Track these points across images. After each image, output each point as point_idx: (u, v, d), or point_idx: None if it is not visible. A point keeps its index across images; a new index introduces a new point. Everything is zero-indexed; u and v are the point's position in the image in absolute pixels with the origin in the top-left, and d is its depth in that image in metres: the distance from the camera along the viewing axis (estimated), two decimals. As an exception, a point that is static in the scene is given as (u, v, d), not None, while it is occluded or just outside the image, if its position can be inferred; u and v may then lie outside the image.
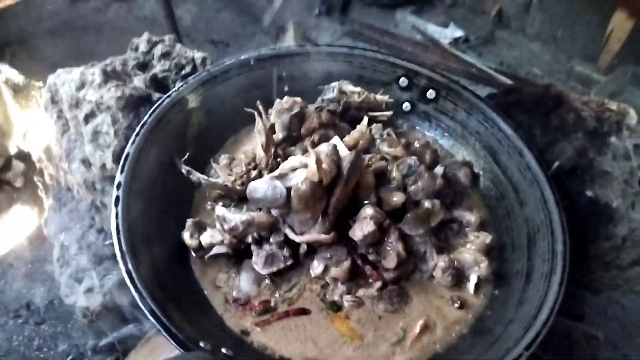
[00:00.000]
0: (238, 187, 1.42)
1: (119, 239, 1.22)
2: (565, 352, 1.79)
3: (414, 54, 3.06)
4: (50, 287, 1.93)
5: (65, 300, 1.71)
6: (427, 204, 1.46)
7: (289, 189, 1.32)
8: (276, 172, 1.34)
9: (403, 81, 1.75)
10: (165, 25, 2.76)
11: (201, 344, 1.12)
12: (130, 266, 1.18)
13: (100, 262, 1.72)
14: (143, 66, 1.80)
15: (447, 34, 3.30)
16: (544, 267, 1.33)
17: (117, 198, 1.29)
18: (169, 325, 1.10)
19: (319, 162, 1.30)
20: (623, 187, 1.62)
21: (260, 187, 1.33)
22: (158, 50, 1.79)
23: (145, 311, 1.11)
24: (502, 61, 3.21)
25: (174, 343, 1.08)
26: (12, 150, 2.34)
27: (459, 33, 3.31)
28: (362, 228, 1.34)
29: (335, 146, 1.37)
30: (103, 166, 1.54)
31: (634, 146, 1.70)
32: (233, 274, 1.40)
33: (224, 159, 1.58)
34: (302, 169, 1.33)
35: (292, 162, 1.35)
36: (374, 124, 1.66)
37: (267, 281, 1.39)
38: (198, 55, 1.80)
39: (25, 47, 2.82)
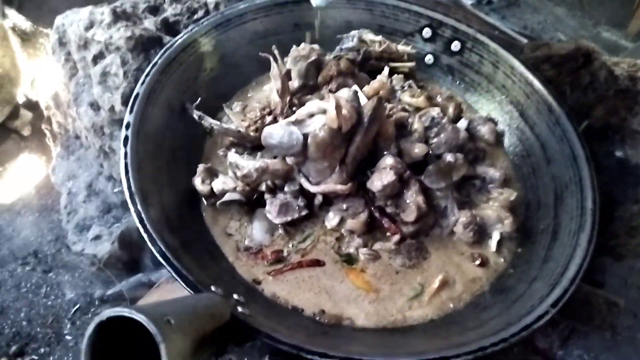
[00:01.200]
0: (252, 134, 1.36)
1: (127, 179, 1.17)
2: (585, 319, 1.74)
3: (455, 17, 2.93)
4: (58, 235, 1.90)
5: (73, 247, 1.68)
6: (449, 157, 1.39)
7: (305, 136, 1.25)
8: (292, 118, 1.27)
9: (427, 32, 1.67)
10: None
11: (212, 288, 1.07)
12: (139, 207, 1.13)
13: (109, 210, 1.68)
14: (154, 9, 1.73)
15: (470, -5, 3.17)
16: (571, 224, 1.27)
17: (126, 138, 1.23)
18: (179, 268, 1.05)
19: (338, 107, 1.23)
20: (655, 149, 1.55)
21: (276, 133, 1.26)
22: (170, -7, 1.71)
23: (155, 253, 1.07)
24: (526, 25, 3.08)
25: (184, 285, 1.03)
26: (20, 99, 2.28)
27: (482, -6, 3.18)
28: (382, 178, 1.27)
29: (356, 92, 1.30)
30: (112, 109, 1.48)
31: (668, 107, 1.62)
32: (245, 223, 1.35)
33: (237, 105, 1.51)
34: (321, 114, 1.26)
35: (309, 107, 1.28)
36: (395, 75, 1.58)
37: (280, 231, 1.34)
38: (211, -1, 1.72)
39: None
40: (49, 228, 1.94)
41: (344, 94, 1.29)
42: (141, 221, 1.10)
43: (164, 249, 1.07)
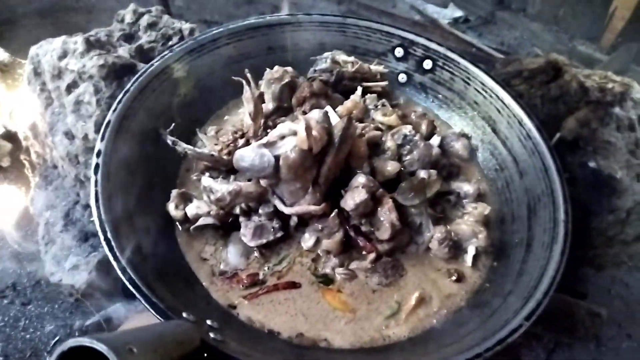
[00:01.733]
0: (225, 157, 1.36)
1: (97, 207, 1.16)
2: (568, 331, 1.74)
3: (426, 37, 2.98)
4: (37, 267, 1.87)
5: (51, 278, 1.66)
6: (422, 174, 1.40)
7: (277, 158, 1.26)
8: (264, 140, 1.28)
9: (399, 51, 1.69)
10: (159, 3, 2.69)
11: (184, 315, 1.06)
12: (109, 235, 1.12)
13: (86, 239, 1.66)
14: (129, 37, 1.74)
15: (447, 13, 3.23)
16: (545, 237, 1.28)
17: (97, 166, 1.23)
18: (149, 296, 1.04)
19: (308, 129, 1.23)
20: (627, 158, 1.56)
21: (247, 156, 1.26)
22: (144, 21, 1.73)
23: (125, 281, 1.06)
24: (503, 41, 3.14)
25: (155, 313, 1.02)
26: (-1, 130, 2.28)
27: (458, 13, 3.24)
28: (354, 197, 1.28)
29: (326, 112, 1.31)
30: (85, 137, 1.48)
31: (638, 117, 1.64)
32: (220, 247, 1.35)
33: (211, 129, 1.52)
34: (292, 136, 1.27)
35: (280, 129, 1.29)
36: (368, 95, 1.60)
37: (255, 254, 1.34)
38: (186, 26, 1.74)
39: (12, 27, 2.75)
40: (28, 259, 1.91)
41: (315, 115, 1.30)
42: (111, 249, 1.10)
43: (134, 277, 1.06)
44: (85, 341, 0.73)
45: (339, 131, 1.28)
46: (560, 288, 1.78)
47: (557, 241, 1.24)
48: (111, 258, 1.09)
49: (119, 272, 1.07)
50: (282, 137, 1.28)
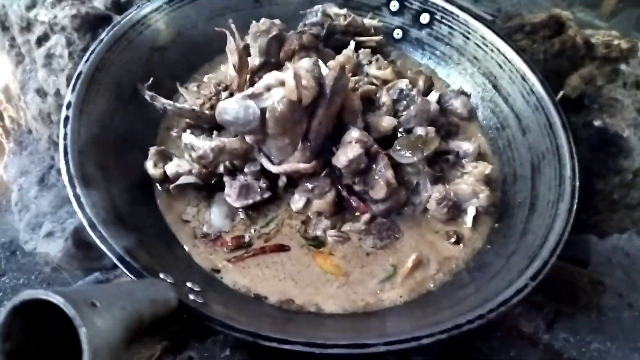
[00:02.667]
0: (207, 112, 1.26)
1: (66, 161, 1.06)
2: (569, 300, 1.67)
3: None
4: (12, 237, 1.78)
5: (25, 246, 1.57)
6: (420, 130, 1.31)
7: (263, 110, 1.16)
8: (249, 91, 1.17)
9: (394, 4, 1.59)
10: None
11: (161, 276, 0.97)
12: (78, 190, 1.02)
13: (62, 205, 1.56)
14: (106, -10, 1.62)
15: (442, -21, 3.11)
16: (550, 195, 1.20)
17: (67, 118, 1.13)
18: (121, 253, 0.95)
19: (297, 78, 1.14)
20: (635, 117, 1.48)
21: (231, 108, 1.16)
22: (122, -28, 1.61)
23: (95, 237, 0.97)
24: (500, 8, 3.02)
25: (127, 272, 0.93)
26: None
27: (454, -21, 3.12)
28: (347, 153, 1.18)
29: (317, 61, 1.21)
30: (57, 93, 1.38)
31: (645, 74, 1.56)
32: (203, 208, 1.26)
33: (193, 85, 1.42)
34: (279, 87, 1.17)
35: (267, 79, 1.18)
36: (362, 50, 1.50)
37: (241, 216, 1.25)
38: (167, -23, 1.62)
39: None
40: (2, 230, 1.82)
41: (304, 64, 1.20)
42: (80, 205, 1.00)
43: (104, 234, 0.97)
44: (40, 293, 0.64)
45: (330, 81, 1.18)
46: (561, 256, 1.73)
47: (564, 199, 1.16)
48: (80, 215, 0.99)
49: (89, 229, 0.98)
50: (269, 88, 1.17)
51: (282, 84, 1.16)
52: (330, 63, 1.41)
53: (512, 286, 1.01)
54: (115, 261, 0.94)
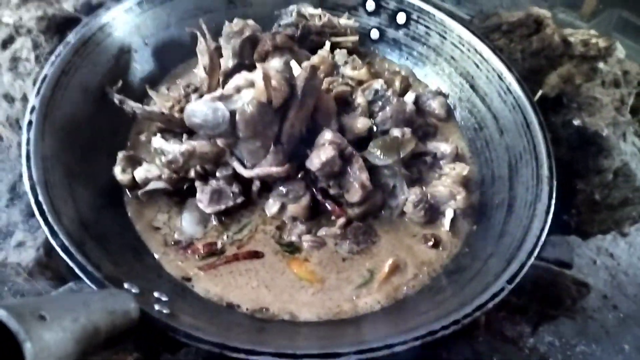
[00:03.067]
0: (176, 115, 1.23)
1: (28, 167, 1.03)
2: (553, 302, 1.65)
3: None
4: (-16, 247, 1.73)
5: (-6, 257, 1.51)
6: (396, 132, 1.29)
7: (233, 113, 1.13)
8: (217, 93, 1.15)
9: (370, 4, 1.57)
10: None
11: (125, 286, 0.93)
12: (40, 198, 0.99)
13: (33, 214, 1.51)
14: (76, -8, 1.58)
15: (424, -19, 3.10)
16: (527, 195, 1.18)
17: (30, 123, 1.09)
18: (82, 262, 0.91)
19: (267, 78, 1.11)
20: (614, 115, 1.46)
21: (199, 110, 1.13)
22: (93, -26, 1.57)
23: (55, 245, 0.93)
24: (482, 9, 3.02)
25: (88, 282, 0.90)
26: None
27: (436, -19, 3.12)
28: (320, 155, 1.16)
29: (287, 61, 1.19)
30: (24, 97, 1.33)
31: (623, 72, 1.54)
32: (174, 215, 1.22)
33: (164, 88, 1.38)
34: (249, 88, 1.14)
35: (236, 80, 1.16)
36: (338, 50, 1.47)
37: (213, 222, 1.22)
38: (139, -21, 1.59)
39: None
40: (-26, 240, 1.77)
41: (275, 63, 1.18)
42: (41, 213, 0.97)
43: (65, 242, 0.93)
44: (-20, 307, 0.60)
45: (301, 82, 1.16)
46: (543, 258, 1.71)
47: (541, 199, 1.14)
48: (41, 221, 0.96)
49: (50, 237, 0.94)
50: (239, 90, 1.15)
51: (251, 84, 1.14)
52: (305, 64, 1.38)
53: (489, 290, 0.99)
54: (77, 270, 0.91)
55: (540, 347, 1.70)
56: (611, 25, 2.85)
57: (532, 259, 1.04)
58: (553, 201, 1.13)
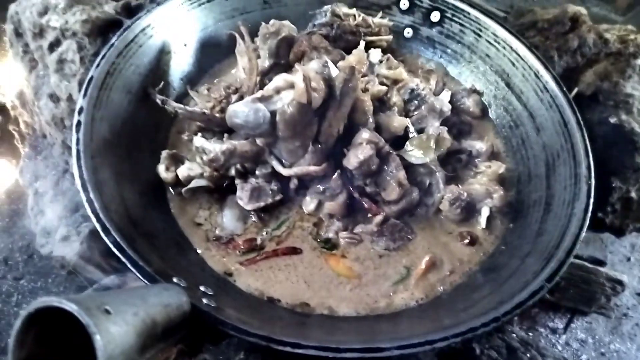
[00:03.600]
0: (217, 115, 1.26)
1: (79, 166, 1.07)
2: (587, 299, 1.65)
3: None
4: (29, 241, 1.79)
5: (41, 250, 1.58)
6: (432, 130, 1.30)
7: (273, 113, 1.16)
8: (258, 94, 1.17)
9: (404, 3, 1.58)
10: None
11: (174, 280, 0.97)
12: (91, 195, 1.03)
13: (77, 209, 1.57)
14: (117, -6, 1.63)
15: (453, -24, 3.08)
16: (565, 194, 1.18)
17: (79, 123, 1.13)
18: (134, 257, 0.95)
19: (307, 80, 1.13)
20: (651, 112, 1.45)
21: (241, 111, 1.16)
22: (132, -24, 1.62)
23: (108, 242, 0.97)
24: (512, 4, 2.99)
25: (140, 276, 0.94)
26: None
27: (465, -25, 3.09)
28: (358, 154, 1.18)
29: (326, 62, 1.21)
30: (70, 98, 1.39)
31: (662, 69, 1.52)
32: (215, 211, 1.26)
33: (204, 88, 1.42)
34: (289, 89, 1.17)
35: (276, 81, 1.18)
36: (372, 49, 1.48)
37: (253, 218, 1.25)
38: (176, -19, 1.62)
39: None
40: (20, 234, 1.84)
41: (314, 65, 1.20)
42: (93, 210, 1.01)
43: (117, 239, 0.97)
44: (54, 301, 0.64)
45: (340, 83, 1.18)
46: (578, 255, 1.71)
47: (580, 198, 1.14)
48: (94, 219, 1.00)
49: (102, 234, 0.98)
50: (279, 91, 1.17)
51: (291, 86, 1.16)
52: (341, 64, 1.40)
53: (528, 288, 1.00)
54: (129, 266, 0.95)
55: (573, 343, 1.70)
56: (646, 19, 2.78)
57: (571, 257, 1.04)
58: (591, 200, 1.13)
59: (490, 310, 0.97)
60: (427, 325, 1.04)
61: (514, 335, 1.48)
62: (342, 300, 1.14)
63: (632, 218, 1.58)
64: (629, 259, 1.92)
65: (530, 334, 1.66)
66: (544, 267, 1.04)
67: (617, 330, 1.72)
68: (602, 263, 1.73)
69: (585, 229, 1.09)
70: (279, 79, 1.18)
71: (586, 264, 1.64)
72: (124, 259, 0.95)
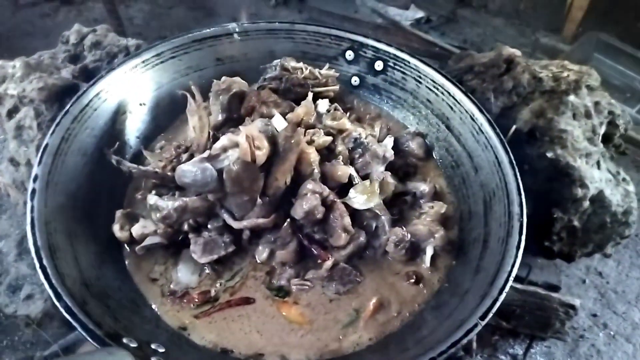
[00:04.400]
0: (169, 173, 1.32)
1: (33, 233, 1.12)
2: (542, 325, 1.71)
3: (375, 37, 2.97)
4: (-6, 300, 1.81)
5: (5, 310, 1.61)
6: (376, 176, 1.37)
7: (220, 171, 1.22)
8: (205, 154, 1.24)
9: (349, 54, 1.67)
10: (114, 25, 2.65)
11: (124, 340, 1.01)
12: (45, 262, 1.07)
13: (40, 268, 1.61)
14: (74, 58, 1.71)
15: (409, 15, 3.22)
16: (500, 231, 1.24)
17: (33, 191, 1.18)
18: (84, 321, 0.99)
19: (249, 139, 1.20)
20: (585, 146, 1.54)
21: (188, 171, 1.23)
22: (89, 41, 1.70)
23: (60, 308, 1.01)
24: (466, 39, 3.13)
25: (90, 340, 0.98)
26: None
27: (420, 14, 3.23)
28: (303, 204, 1.24)
29: (268, 121, 1.28)
30: (28, 162, 1.44)
31: (594, 103, 1.62)
32: (170, 266, 1.31)
33: (159, 146, 1.48)
34: (235, 148, 1.24)
35: (223, 141, 1.26)
36: (320, 100, 1.56)
37: (207, 271, 1.30)
38: (132, 42, 1.71)
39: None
40: (-15, 293, 1.85)
41: (257, 124, 1.27)
42: (46, 277, 1.05)
43: (69, 303, 1.01)
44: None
45: (282, 140, 1.25)
46: (532, 282, 1.77)
47: (512, 235, 1.20)
48: (47, 286, 1.04)
49: (54, 299, 1.02)
50: (225, 150, 1.24)
51: (236, 145, 1.23)
52: (290, 115, 1.48)
53: (463, 326, 1.05)
54: (79, 330, 0.99)
55: (533, 368, 1.76)
56: (592, 46, 2.93)
57: (504, 294, 1.10)
58: (523, 237, 1.19)
59: (428, 350, 1.02)
60: (374, 366, 1.09)
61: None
62: (293, 347, 1.18)
63: (578, 244, 1.66)
64: (584, 281, 1.99)
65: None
66: (479, 304, 1.10)
67: (575, 352, 1.78)
68: (556, 288, 1.79)
69: (517, 265, 1.15)
70: (225, 139, 1.25)
71: (540, 290, 1.71)
72: (74, 323, 0.99)
